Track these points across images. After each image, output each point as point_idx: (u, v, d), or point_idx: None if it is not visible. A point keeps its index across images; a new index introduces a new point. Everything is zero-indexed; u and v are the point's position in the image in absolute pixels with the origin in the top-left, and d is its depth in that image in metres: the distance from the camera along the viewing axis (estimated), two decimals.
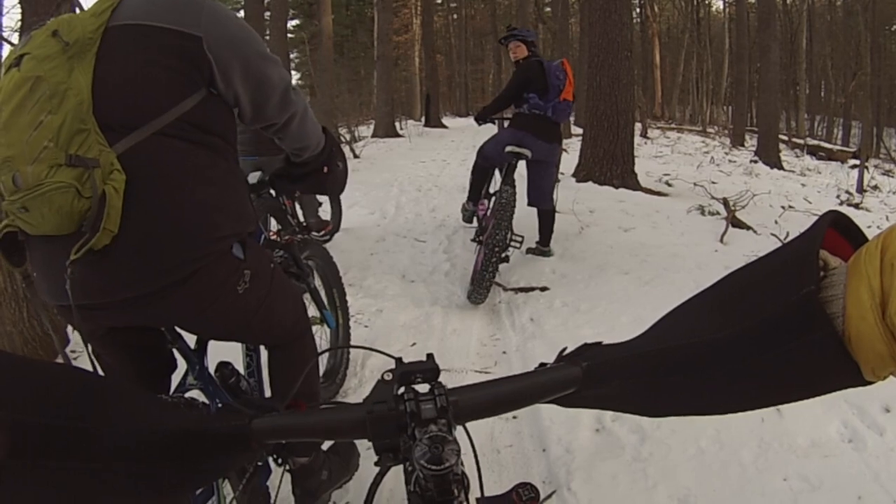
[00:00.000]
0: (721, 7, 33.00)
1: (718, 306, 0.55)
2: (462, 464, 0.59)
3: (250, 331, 1.51)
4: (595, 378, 0.62)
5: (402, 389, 0.64)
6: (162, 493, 0.58)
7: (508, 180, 4.04)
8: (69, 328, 3.09)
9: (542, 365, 0.68)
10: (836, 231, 0.49)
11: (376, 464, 0.65)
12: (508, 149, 4.14)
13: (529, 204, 4.47)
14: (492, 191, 4.53)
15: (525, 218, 4.45)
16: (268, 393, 1.75)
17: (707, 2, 31.36)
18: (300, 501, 1.65)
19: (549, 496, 2.02)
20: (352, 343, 2.81)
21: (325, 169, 1.64)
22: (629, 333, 0.64)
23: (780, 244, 4.66)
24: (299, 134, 1.49)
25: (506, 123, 4.62)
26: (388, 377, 0.64)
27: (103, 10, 1.16)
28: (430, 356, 0.67)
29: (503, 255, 3.82)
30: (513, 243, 3.97)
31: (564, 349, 0.68)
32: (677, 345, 0.55)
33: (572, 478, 2.08)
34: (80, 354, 1.21)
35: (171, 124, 1.16)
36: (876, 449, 2.16)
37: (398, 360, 0.67)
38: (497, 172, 4.46)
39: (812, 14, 27.93)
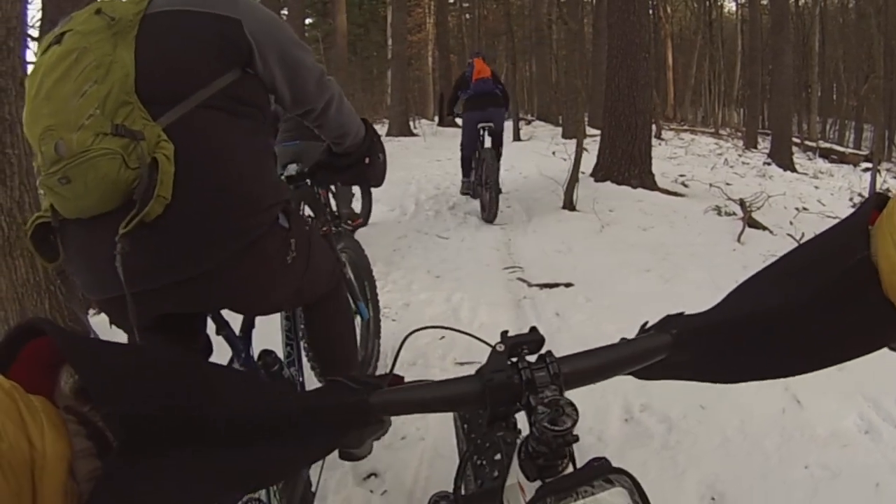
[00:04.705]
0: (734, 9, 32.87)
1: (788, 276, 0.59)
2: None
3: (300, 295, 1.54)
4: (683, 345, 0.65)
5: (514, 359, 0.65)
6: (276, 470, 0.61)
7: (483, 149, 6.11)
8: (91, 322, 3.04)
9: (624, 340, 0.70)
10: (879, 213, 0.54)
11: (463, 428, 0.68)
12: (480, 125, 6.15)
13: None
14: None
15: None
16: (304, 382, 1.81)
17: (720, 3, 31.23)
18: (343, 455, 1.73)
19: None
20: (380, 335, 2.81)
21: (367, 160, 1.67)
22: None
23: (796, 245, 4.73)
24: (338, 120, 1.52)
25: (457, 121, 7.39)
26: (501, 348, 0.65)
27: None
28: (533, 328, 0.69)
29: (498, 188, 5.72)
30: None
31: (646, 323, 0.72)
32: (758, 311, 0.60)
33: None
34: None
35: (214, 96, 1.17)
36: (891, 440, 2.23)
37: (504, 334, 0.68)
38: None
39: (824, 16, 27.72)
